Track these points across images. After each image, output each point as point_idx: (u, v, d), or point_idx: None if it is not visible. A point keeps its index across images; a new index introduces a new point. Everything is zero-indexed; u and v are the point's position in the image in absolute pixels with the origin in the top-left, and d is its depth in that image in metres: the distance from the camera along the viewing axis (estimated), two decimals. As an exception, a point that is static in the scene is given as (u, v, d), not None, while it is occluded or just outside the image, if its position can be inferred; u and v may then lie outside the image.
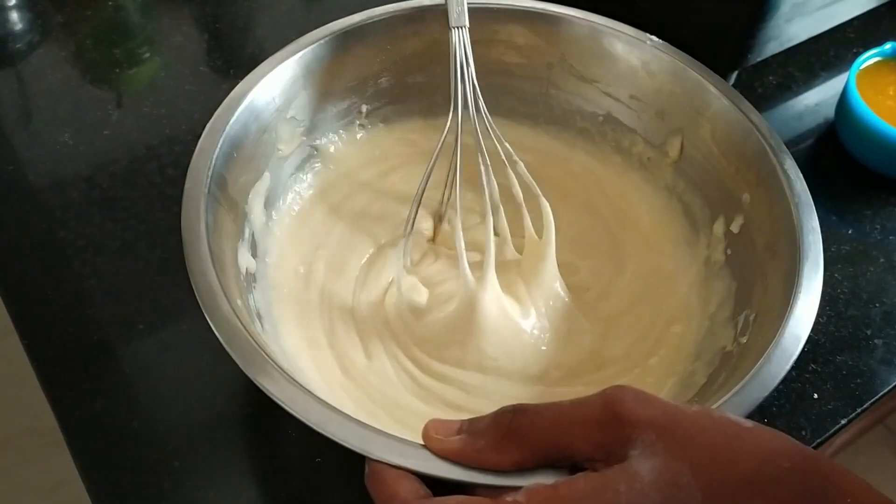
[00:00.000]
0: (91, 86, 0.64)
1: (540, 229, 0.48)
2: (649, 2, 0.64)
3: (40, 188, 0.56)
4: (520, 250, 0.50)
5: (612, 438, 0.29)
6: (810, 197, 0.44)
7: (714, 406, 0.36)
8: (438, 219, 0.52)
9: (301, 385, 0.35)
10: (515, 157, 0.49)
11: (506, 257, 0.50)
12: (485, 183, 0.48)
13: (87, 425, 0.45)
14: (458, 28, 0.47)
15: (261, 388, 0.35)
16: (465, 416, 0.34)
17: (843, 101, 0.61)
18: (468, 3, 0.49)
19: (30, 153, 0.58)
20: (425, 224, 0.52)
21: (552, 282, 0.48)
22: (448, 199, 0.51)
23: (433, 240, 0.52)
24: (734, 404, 0.36)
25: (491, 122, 0.48)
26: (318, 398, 0.34)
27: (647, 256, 0.52)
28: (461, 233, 0.46)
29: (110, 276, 0.52)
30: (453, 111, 0.47)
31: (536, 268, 0.48)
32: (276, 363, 0.35)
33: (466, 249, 0.46)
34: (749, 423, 0.30)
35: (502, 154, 0.48)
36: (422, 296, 0.48)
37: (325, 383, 0.44)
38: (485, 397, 0.44)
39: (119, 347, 0.48)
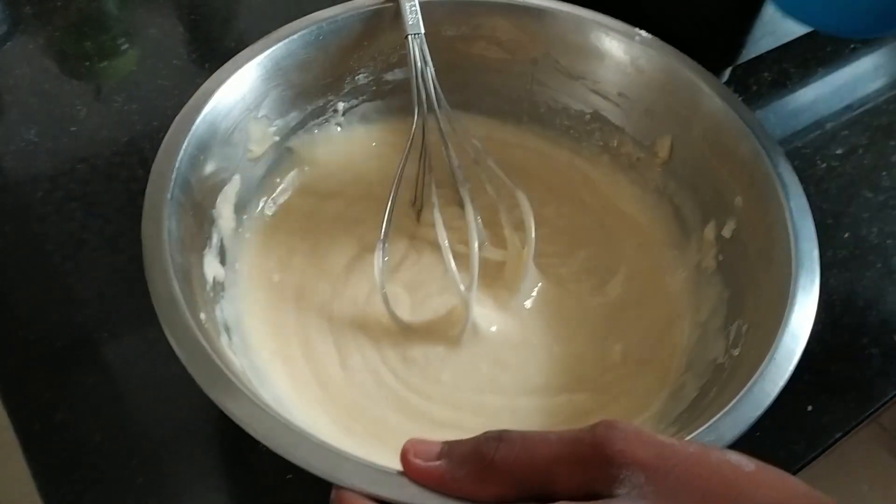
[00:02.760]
0: (62, 79, 0.62)
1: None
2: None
3: (8, 184, 0.54)
4: (501, 243, 0.49)
5: (599, 478, 0.27)
6: (806, 202, 0.42)
7: (705, 427, 0.34)
8: (418, 213, 0.51)
9: (266, 406, 0.33)
10: (485, 153, 0.47)
11: (488, 258, 0.48)
12: (457, 181, 0.47)
13: (48, 439, 0.43)
14: (413, 35, 0.47)
15: (222, 409, 0.33)
16: (452, 433, 0.32)
17: None
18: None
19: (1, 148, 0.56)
20: (407, 218, 0.51)
21: (538, 282, 0.47)
22: (422, 199, 0.50)
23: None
24: (726, 424, 0.34)
25: (454, 118, 0.47)
26: (285, 420, 0.32)
27: (639, 254, 0.50)
28: (449, 251, 0.44)
29: (88, 276, 0.50)
30: (417, 113, 0.46)
31: (521, 269, 0.47)
32: (240, 382, 0.34)
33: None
34: (751, 466, 0.28)
35: (471, 151, 0.47)
36: (404, 306, 0.46)
37: (299, 398, 0.42)
38: (476, 414, 0.43)
39: (83, 356, 0.47)
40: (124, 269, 0.50)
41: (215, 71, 0.45)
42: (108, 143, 0.57)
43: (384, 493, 0.30)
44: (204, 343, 0.34)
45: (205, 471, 0.43)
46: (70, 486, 0.42)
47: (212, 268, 0.42)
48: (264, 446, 0.32)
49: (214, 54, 0.64)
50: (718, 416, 0.34)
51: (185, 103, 0.43)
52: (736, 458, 0.28)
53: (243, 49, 0.47)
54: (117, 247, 0.51)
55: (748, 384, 0.35)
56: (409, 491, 0.30)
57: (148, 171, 0.54)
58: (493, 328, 0.45)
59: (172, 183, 0.39)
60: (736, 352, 0.40)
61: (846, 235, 0.55)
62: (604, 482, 0.27)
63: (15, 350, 0.47)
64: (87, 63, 0.63)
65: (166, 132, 0.42)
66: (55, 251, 0.51)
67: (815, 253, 0.40)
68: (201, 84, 0.45)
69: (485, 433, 0.30)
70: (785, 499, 0.27)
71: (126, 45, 0.65)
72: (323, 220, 0.50)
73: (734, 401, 0.35)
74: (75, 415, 0.44)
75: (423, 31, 0.48)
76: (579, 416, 0.42)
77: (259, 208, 0.49)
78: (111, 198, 0.54)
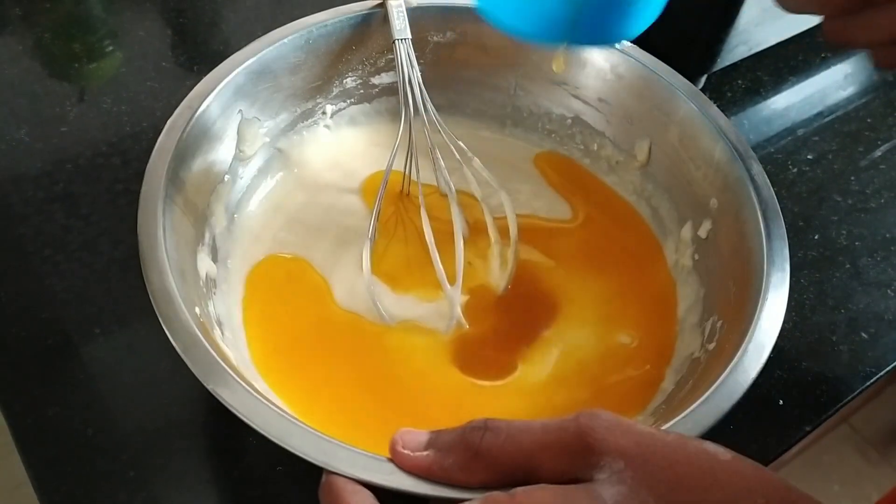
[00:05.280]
0: (50, 80, 0.62)
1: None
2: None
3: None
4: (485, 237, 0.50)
5: (581, 465, 0.29)
6: (777, 203, 0.44)
7: (681, 416, 0.35)
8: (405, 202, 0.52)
9: (261, 396, 0.34)
10: (469, 154, 0.49)
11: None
12: (441, 182, 0.48)
13: (41, 433, 0.44)
14: (400, 40, 0.49)
15: (220, 399, 0.34)
16: (438, 427, 0.33)
17: None
18: (437, 2, 0.50)
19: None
20: (394, 209, 0.52)
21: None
22: (409, 190, 0.52)
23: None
24: (700, 415, 0.35)
25: (441, 122, 0.48)
26: (279, 409, 0.33)
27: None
28: (435, 250, 0.45)
29: (68, 276, 0.50)
30: (404, 116, 0.47)
31: (505, 265, 0.48)
32: (235, 373, 0.35)
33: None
34: (727, 456, 0.29)
35: (456, 153, 0.48)
36: (390, 299, 0.47)
37: (287, 390, 0.43)
38: (460, 407, 0.43)
39: (75, 352, 0.47)
40: (107, 268, 0.51)
41: (203, 73, 0.46)
42: (96, 144, 0.57)
43: (377, 479, 0.31)
44: (200, 335, 0.35)
45: (195, 463, 0.44)
46: (63, 478, 0.42)
47: (204, 264, 0.43)
48: (253, 438, 0.33)
49: (202, 57, 0.65)
50: (693, 406, 0.35)
51: (173, 105, 0.44)
52: (713, 447, 0.29)
53: (231, 52, 0.47)
54: (100, 247, 0.52)
55: (721, 377, 0.37)
56: (400, 478, 0.31)
57: (132, 173, 0.55)
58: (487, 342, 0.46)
59: (167, 181, 0.40)
60: (711, 346, 0.42)
61: (816, 237, 0.57)
62: (585, 468, 0.28)
63: (6, 347, 0.47)
64: (76, 64, 0.63)
65: (154, 133, 0.43)
66: (38, 251, 0.51)
67: (786, 252, 0.42)
68: (189, 86, 0.45)
69: (470, 422, 0.31)
70: (758, 487, 0.28)
71: (113, 47, 0.65)
72: (312, 213, 0.51)
73: (708, 392, 0.36)
74: (67, 410, 0.45)
75: (410, 36, 0.49)
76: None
77: (249, 207, 0.49)
78: (94, 198, 0.54)
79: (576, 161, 0.55)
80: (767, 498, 0.27)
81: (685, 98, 0.48)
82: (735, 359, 0.37)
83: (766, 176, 0.45)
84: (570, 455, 0.29)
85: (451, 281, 0.45)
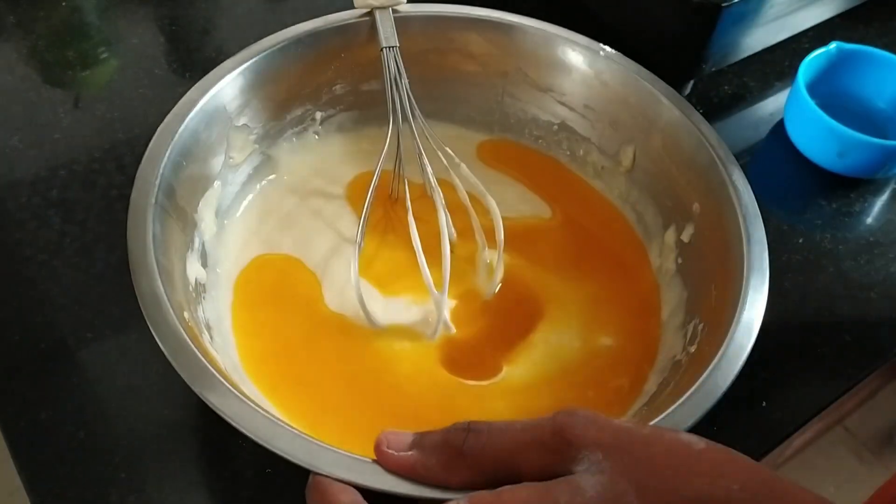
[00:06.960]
0: (44, 87, 0.63)
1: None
2: (607, 11, 0.64)
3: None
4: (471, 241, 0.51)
5: (560, 461, 0.29)
6: (758, 208, 0.44)
7: (662, 416, 0.36)
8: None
9: (249, 399, 0.35)
10: (457, 160, 0.49)
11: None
12: (429, 187, 0.49)
13: (33, 436, 0.44)
14: (388, 48, 0.49)
15: (207, 402, 0.34)
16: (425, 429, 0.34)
17: (792, 97, 0.62)
18: (424, 11, 0.50)
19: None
20: (383, 212, 0.52)
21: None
22: (397, 193, 0.52)
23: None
24: (681, 415, 0.36)
25: (428, 128, 0.49)
26: (266, 413, 0.34)
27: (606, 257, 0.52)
28: (423, 255, 0.46)
29: (63, 281, 0.51)
30: (392, 122, 0.48)
31: (491, 270, 0.49)
32: (223, 377, 0.35)
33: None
34: (701, 445, 0.30)
35: (443, 158, 0.49)
36: (378, 304, 0.48)
37: (274, 394, 0.44)
38: (447, 410, 0.44)
39: (67, 356, 0.48)
40: (102, 273, 0.51)
41: (196, 80, 0.47)
42: (89, 151, 0.58)
43: (361, 480, 0.32)
44: (188, 340, 0.36)
45: (185, 466, 0.44)
46: (55, 481, 0.43)
47: (194, 270, 0.44)
48: (243, 441, 0.34)
49: (194, 64, 0.65)
50: (673, 406, 0.36)
51: (165, 112, 0.45)
52: (687, 437, 0.30)
53: (223, 59, 0.48)
54: (95, 252, 0.52)
55: (700, 379, 0.37)
56: (384, 479, 0.32)
57: (127, 178, 0.56)
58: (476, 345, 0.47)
59: (157, 188, 0.41)
60: (692, 349, 0.43)
61: (800, 241, 0.57)
62: (565, 463, 0.29)
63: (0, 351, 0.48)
64: (70, 72, 0.64)
65: (147, 140, 0.44)
66: (33, 256, 0.52)
67: (765, 256, 0.42)
68: (182, 93, 0.46)
69: (454, 424, 0.32)
70: (732, 472, 0.29)
71: (107, 55, 0.66)
72: (301, 218, 0.51)
73: (688, 393, 0.37)
74: (60, 413, 0.45)
75: (398, 44, 0.50)
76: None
77: (239, 213, 0.50)
78: (89, 204, 0.55)
79: (562, 163, 0.56)
80: (741, 481, 0.28)
81: (668, 104, 0.49)
82: (714, 362, 0.38)
83: (746, 181, 0.45)
84: (550, 451, 0.30)
85: (439, 286, 0.46)
